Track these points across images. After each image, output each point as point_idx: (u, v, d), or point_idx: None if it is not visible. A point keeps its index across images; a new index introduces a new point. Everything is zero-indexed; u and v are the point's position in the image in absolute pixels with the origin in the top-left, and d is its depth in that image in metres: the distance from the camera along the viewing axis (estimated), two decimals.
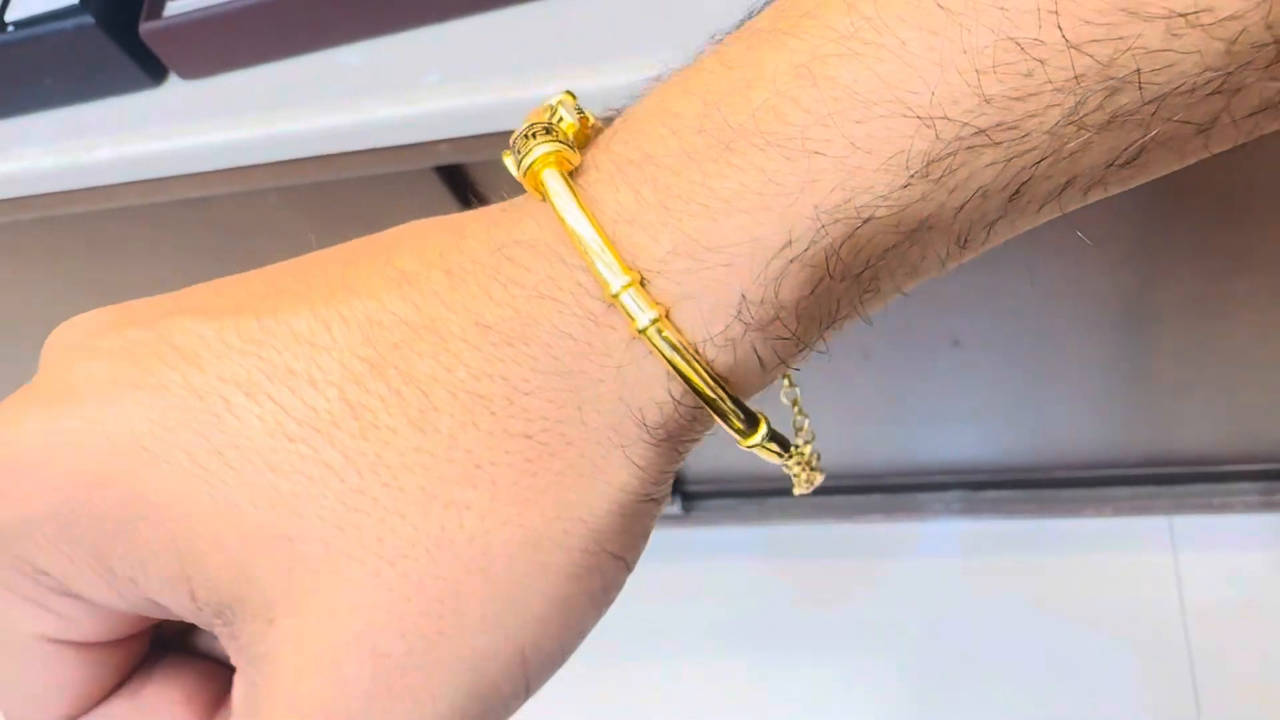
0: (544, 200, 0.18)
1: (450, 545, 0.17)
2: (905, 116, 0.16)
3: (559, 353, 0.18)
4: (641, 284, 0.17)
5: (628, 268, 0.17)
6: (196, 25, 0.48)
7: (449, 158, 0.51)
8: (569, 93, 0.20)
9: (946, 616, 1.03)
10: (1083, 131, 0.16)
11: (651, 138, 0.18)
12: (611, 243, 0.17)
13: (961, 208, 0.17)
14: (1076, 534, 1.01)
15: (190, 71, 0.51)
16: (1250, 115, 0.16)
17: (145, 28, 0.49)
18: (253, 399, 0.18)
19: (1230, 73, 0.15)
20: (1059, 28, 0.15)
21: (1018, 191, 0.17)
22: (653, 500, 0.19)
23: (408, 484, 0.18)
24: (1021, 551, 1.03)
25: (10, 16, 0.50)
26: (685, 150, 0.17)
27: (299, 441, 0.18)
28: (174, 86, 0.52)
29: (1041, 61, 0.16)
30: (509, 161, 0.19)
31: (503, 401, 0.18)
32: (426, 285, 0.18)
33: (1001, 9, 0.16)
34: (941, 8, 0.16)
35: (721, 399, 0.18)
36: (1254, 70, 0.16)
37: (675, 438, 0.19)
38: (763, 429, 0.19)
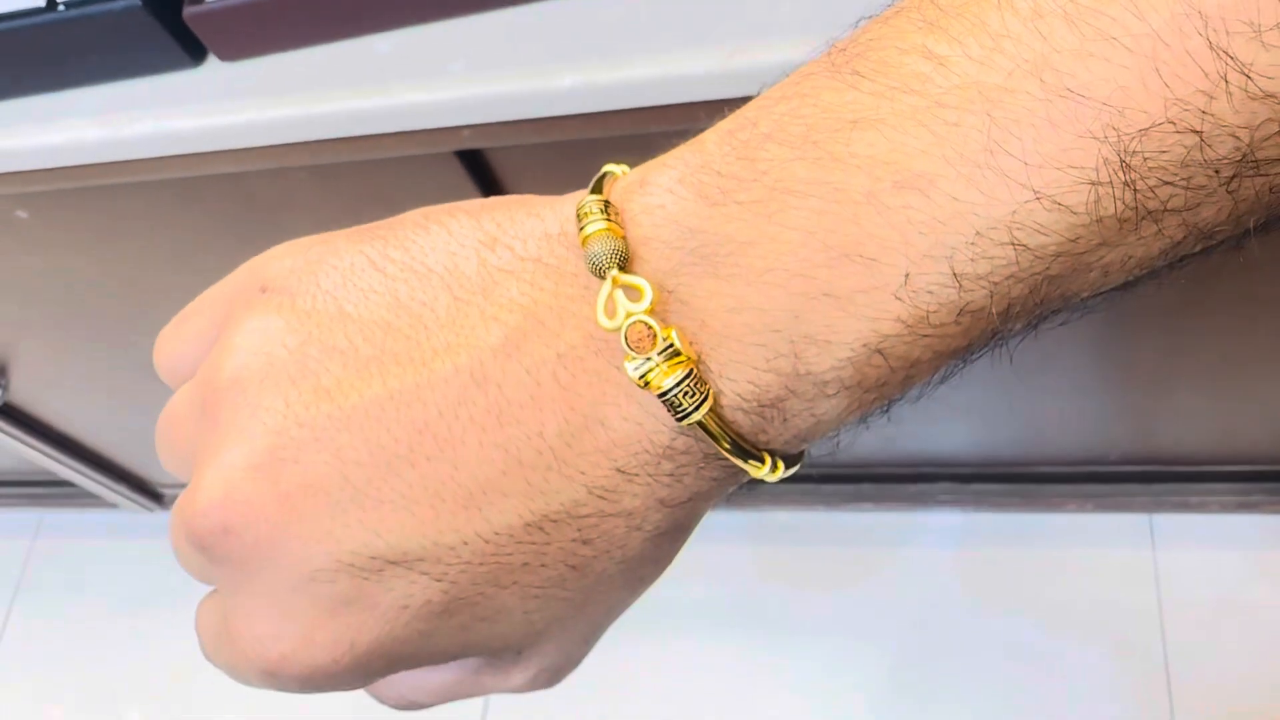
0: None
1: None
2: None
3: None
4: None
5: None
6: (237, 10, 0.51)
7: (470, 143, 0.53)
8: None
9: (929, 606, 1.04)
10: None
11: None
12: None
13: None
14: (1059, 528, 1.03)
15: (229, 53, 0.54)
16: None
17: (189, 11, 0.52)
18: None
19: None
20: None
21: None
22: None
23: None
24: (1006, 544, 1.04)
25: None
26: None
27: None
28: (213, 67, 0.55)
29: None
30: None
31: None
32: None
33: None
34: None
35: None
36: None
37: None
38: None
